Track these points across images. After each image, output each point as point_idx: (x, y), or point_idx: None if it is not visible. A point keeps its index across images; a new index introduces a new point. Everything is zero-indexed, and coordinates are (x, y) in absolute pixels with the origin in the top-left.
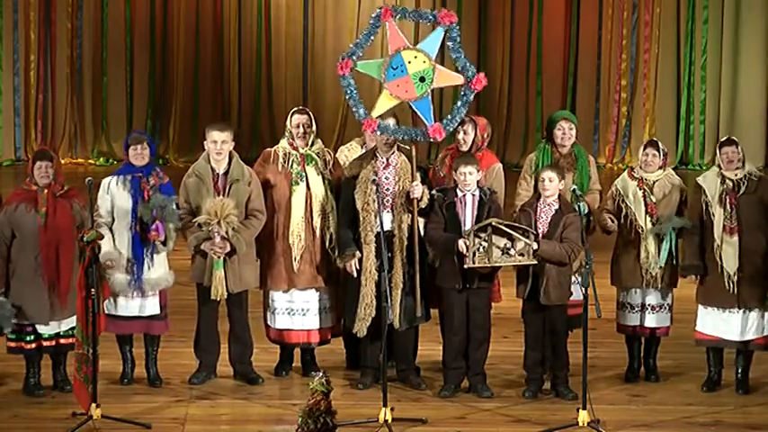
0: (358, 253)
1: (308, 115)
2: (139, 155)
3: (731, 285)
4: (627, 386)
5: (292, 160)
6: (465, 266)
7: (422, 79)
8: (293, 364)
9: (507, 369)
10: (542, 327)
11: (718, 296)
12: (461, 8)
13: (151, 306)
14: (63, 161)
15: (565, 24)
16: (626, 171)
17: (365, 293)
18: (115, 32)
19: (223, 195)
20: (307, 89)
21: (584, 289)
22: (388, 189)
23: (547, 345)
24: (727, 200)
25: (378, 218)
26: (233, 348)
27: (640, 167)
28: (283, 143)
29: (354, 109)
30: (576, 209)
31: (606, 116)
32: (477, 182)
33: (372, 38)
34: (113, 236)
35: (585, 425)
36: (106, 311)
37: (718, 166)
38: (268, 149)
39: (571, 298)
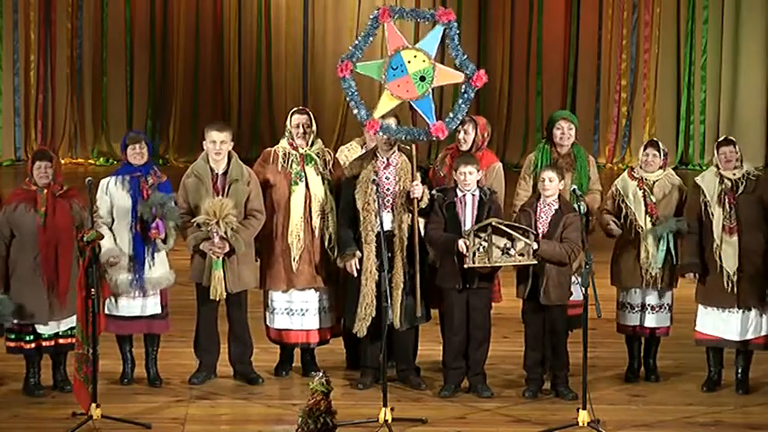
0: (358, 252)
1: (308, 115)
2: (138, 154)
3: (731, 285)
4: (627, 386)
5: (292, 160)
6: (465, 266)
7: (422, 78)
8: (293, 364)
9: (507, 369)
10: (542, 327)
11: (718, 296)
12: (461, 8)
13: (153, 305)
14: (63, 161)
15: (565, 24)
16: (626, 171)
17: (365, 293)
18: (115, 32)
19: (222, 195)
20: (307, 89)
21: (584, 289)
22: (388, 189)
23: (547, 345)
24: (726, 200)
25: (378, 218)
26: (233, 348)
27: (640, 167)
28: (283, 143)
29: (356, 111)
30: (576, 209)
31: (606, 116)
32: (477, 182)
33: (371, 39)
34: (114, 236)
35: (585, 425)
36: (108, 312)
37: (716, 166)
38: (268, 149)
39: (571, 298)
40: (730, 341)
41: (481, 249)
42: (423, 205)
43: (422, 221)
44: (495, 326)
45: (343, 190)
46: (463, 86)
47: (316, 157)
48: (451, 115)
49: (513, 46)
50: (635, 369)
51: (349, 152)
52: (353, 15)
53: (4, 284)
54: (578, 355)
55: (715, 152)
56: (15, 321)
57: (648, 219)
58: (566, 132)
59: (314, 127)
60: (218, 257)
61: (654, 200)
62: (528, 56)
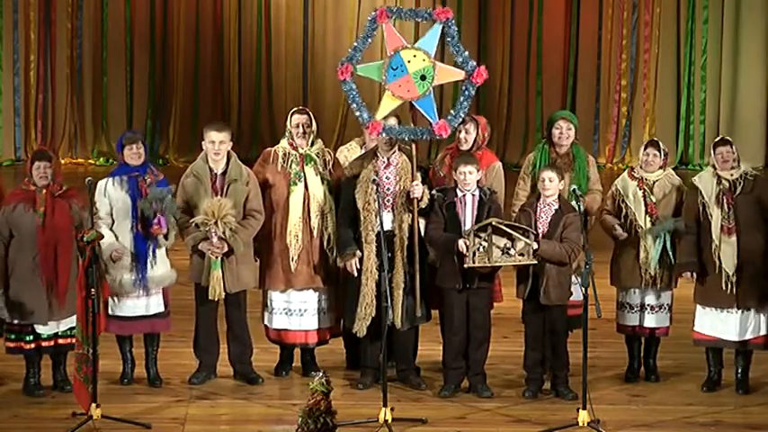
0: (358, 252)
1: (308, 115)
2: (135, 154)
3: (730, 286)
4: (627, 386)
5: (291, 160)
6: (465, 266)
7: (423, 77)
8: (293, 364)
9: (507, 369)
10: (542, 327)
11: (717, 296)
12: (461, 8)
13: (156, 304)
14: (63, 161)
15: (565, 24)
16: (626, 171)
17: (365, 293)
18: (115, 32)
19: (221, 195)
20: (307, 89)
21: (584, 289)
22: (388, 189)
23: (547, 345)
24: (725, 200)
25: (378, 217)
26: (232, 348)
27: (641, 167)
28: (284, 143)
29: (358, 113)
30: (576, 208)
31: (606, 116)
32: (477, 182)
33: (370, 40)
34: (115, 236)
35: (585, 425)
36: (111, 313)
37: (713, 166)
38: (268, 149)
39: (571, 298)
40: (728, 341)
41: (481, 249)
42: (423, 205)
43: (423, 221)
44: (495, 326)
45: (344, 189)
46: (464, 84)
47: (315, 158)
48: (453, 113)
49: (513, 46)
50: (635, 369)
51: (348, 152)
52: (353, 15)
53: (4, 284)
54: (578, 355)
55: (712, 152)
56: (15, 321)
57: (648, 219)
58: (564, 132)
59: (314, 127)
60: (216, 258)
61: (654, 200)
62: (528, 56)
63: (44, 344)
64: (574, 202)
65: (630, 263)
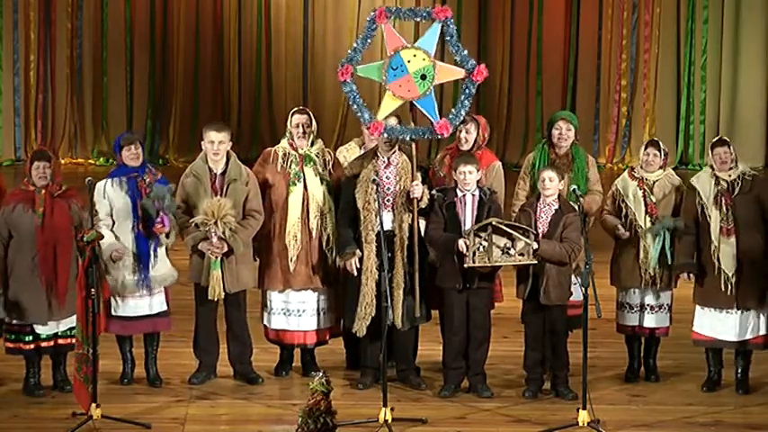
0: (358, 252)
1: (308, 115)
2: (133, 155)
3: (729, 286)
4: (627, 386)
5: (291, 160)
6: (465, 266)
7: (423, 77)
8: (293, 364)
9: (507, 369)
10: (542, 327)
11: (716, 297)
12: (461, 8)
13: (159, 303)
14: (63, 161)
15: (565, 24)
16: (626, 171)
17: (365, 292)
18: (115, 32)
19: (220, 195)
20: (307, 89)
21: (584, 289)
22: (388, 188)
23: (547, 345)
24: (723, 201)
25: (378, 217)
26: (232, 348)
27: (641, 167)
28: (284, 143)
29: (359, 114)
30: (576, 208)
31: (606, 116)
32: (477, 181)
33: (369, 41)
34: (116, 237)
35: (585, 425)
36: (114, 313)
37: (711, 167)
38: (268, 149)
39: (571, 298)
40: (727, 342)
41: (481, 249)
42: (422, 205)
43: (423, 221)
44: (495, 326)
45: (344, 189)
46: (464, 82)
47: (315, 158)
48: (454, 112)
49: (513, 46)
50: (635, 369)
51: (347, 153)
52: (353, 16)
53: (3, 285)
54: (578, 355)
55: (709, 153)
56: (14, 321)
57: (648, 219)
58: (563, 133)
59: (314, 127)
60: (216, 258)
61: (654, 200)
62: (528, 56)
63: (43, 344)
64: (573, 201)
65: (630, 263)
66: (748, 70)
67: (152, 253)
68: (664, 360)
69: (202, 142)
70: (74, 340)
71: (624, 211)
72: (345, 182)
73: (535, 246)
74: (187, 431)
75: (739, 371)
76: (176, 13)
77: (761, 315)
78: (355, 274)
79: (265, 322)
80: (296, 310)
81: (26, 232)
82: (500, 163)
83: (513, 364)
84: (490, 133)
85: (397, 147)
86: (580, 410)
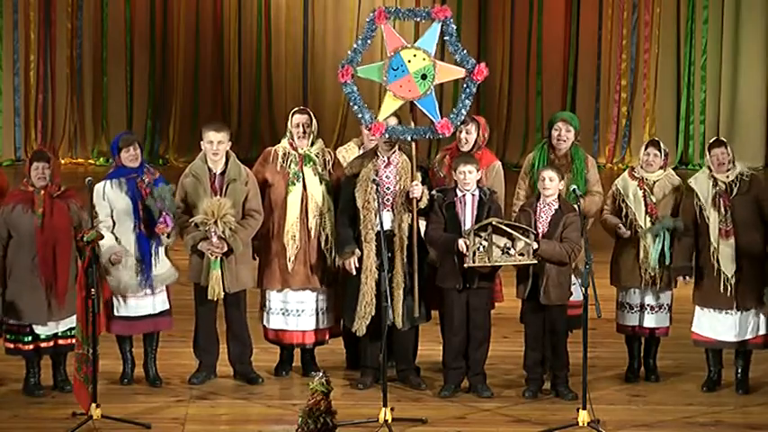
0: (358, 251)
1: (308, 115)
2: (132, 156)
3: (728, 288)
4: (627, 386)
5: (291, 160)
6: (465, 266)
7: (423, 77)
8: (293, 364)
9: (507, 369)
10: (542, 327)
11: (715, 298)
12: (461, 8)
13: (161, 302)
14: (63, 161)
15: (565, 24)
16: (626, 171)
17: (365, 292)
18: (115, 32)
19: (220, 195)
20: (307, 89)
21: (584, 289)
22: (388, 188)
23: (547, 345)
24: (721, 202)
25: (378, 217)
26: (232, 348)
27: (641, 167)
28: (284, 143)
29: (360, 115)
30: (576, 208)
31: (606, 116)
32: (477, 181)
33: (369, 42)
34: (116, 238)
35: (585, 425)
36: (117, 314)
37: (708, 168)
38: (268, 149)
39: (571, 298)
40: (727, 342)
41: (481, 249)
42: (422, 205)
43: (422, 221)
44: (495, 326)
45: (344, 189)
46: (465, 82)
47: (315, 158)
48: (455, 111)
49: (513, 46)
50: (635, 369)
51: (347, 153)
52: (353, 16)
53: (2, 285)
54: (578, 355)
55: (707, 154)
56: (12, 322)
57: (648, 219)
58: (563, 134)
59: (314, 127)
60: (216, 257)
61: (654, 200)
62: (528, 56)
63: (42, 345)
64: (572, 201)
65: (630, 263)
66: (748, 70)
67: (154, 253)
68: (664, 360)
69: (202, 142)
70: (74, 340)
71: (624, 211)
72: (345, 181)
73: (535, 246)
74: (187, 431)
75: (739, 371)
76: (176, 13)
77: (761, 315)
78: (354, 273)
79: (264, 322)
80: (294, 310)
81: (26, 233)
82: (500, 163)
83: (513, 364)
84: (490, 133)
85: (397, 146)
86: (580, 410)
